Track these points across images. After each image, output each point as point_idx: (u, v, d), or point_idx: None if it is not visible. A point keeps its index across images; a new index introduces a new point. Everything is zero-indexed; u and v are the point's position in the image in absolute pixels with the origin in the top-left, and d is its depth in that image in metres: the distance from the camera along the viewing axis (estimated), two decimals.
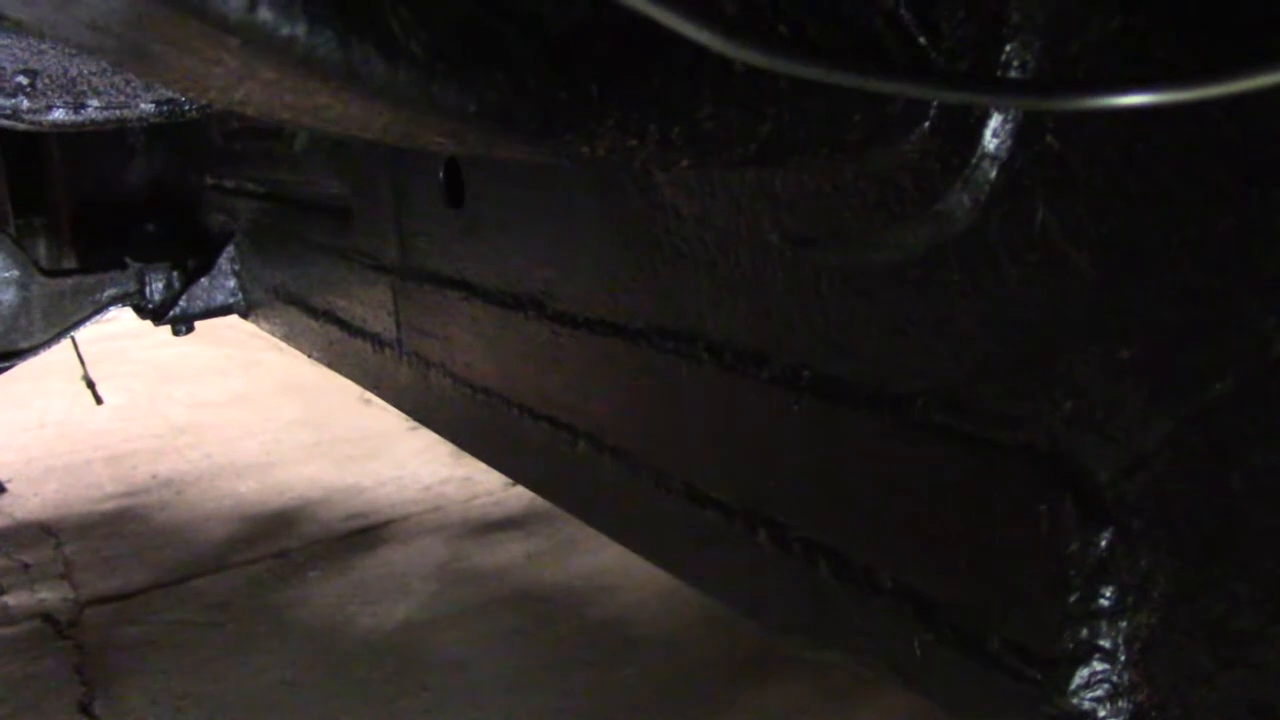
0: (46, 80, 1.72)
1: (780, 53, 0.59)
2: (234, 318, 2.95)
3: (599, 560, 3.46)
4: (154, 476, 4.64)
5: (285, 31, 0.56)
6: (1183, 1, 0.63)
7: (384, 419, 5.05)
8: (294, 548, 3.80)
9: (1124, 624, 0.71)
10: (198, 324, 2.85)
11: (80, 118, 1.76)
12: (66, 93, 1.74)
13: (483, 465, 1.66)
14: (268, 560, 3.71)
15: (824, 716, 2.65)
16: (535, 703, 2.77)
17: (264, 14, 0.55)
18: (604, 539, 1.35)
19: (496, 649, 3.05)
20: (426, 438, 4.67)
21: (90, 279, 2.62)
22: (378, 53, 0.58)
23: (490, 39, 0.60)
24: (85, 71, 1.75)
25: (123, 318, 2.96)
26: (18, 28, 1.52)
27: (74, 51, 1.68)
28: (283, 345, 2.68)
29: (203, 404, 5.71)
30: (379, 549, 3.76)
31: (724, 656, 2.90)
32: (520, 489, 3.96)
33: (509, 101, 0.62)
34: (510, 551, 3.68)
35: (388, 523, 4.00)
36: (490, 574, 3.52)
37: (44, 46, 1.68)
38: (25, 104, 1.71)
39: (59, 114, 1.74)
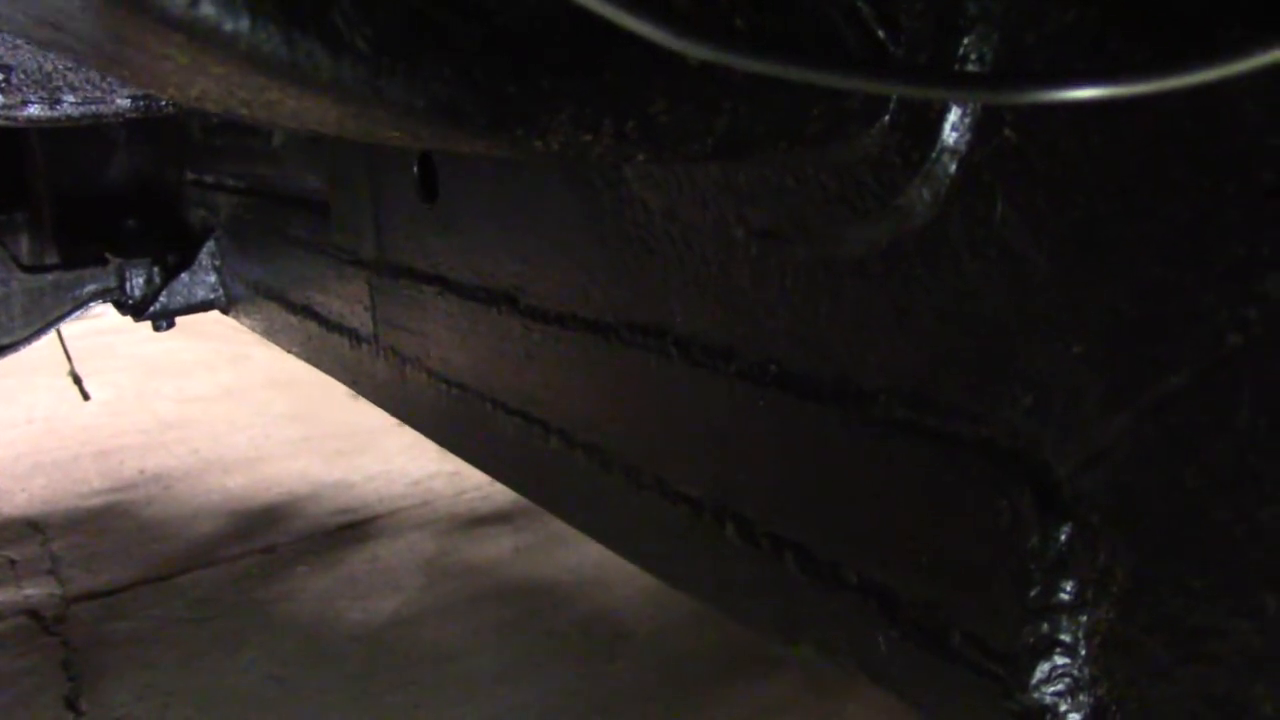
0: (21, 75, 1.71)
1: (733, 48, 0.59)
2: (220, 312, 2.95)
3: (587, 554, 3.46)
4: (142, 472, 4.63)
5: (228, 27, 0.56)
6: None
7: (372, 414, 5.03)
8: (282, 543, 3.80)
9: (1084, 618, 0.71)
10: (183, 319, 2.85)
11: (56, 113, 1.75)
12: (42, 88, 1.74)
13: None
14: (256, 555, 3.71)
15: (812, 710, 2.66)
16: (523, 696, 2.78)
17: (206, 9, 0.55)
18: None
19: (485, 643, 3.05)
20: (414, 433, 4.66)
21: (70, 275, 2.61)
22: (322, 47, 0.57)
23: (437, 33, 0.60)
24: (60, 67, 1.74)
25: (110, 313, 2.96)
26: None
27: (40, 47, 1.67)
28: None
29: (191, 399, 5.70)
30: (367, 544, 3.77)
31: (713, 650, 2.91)
32: None
33: (457, 96, 0.61)
34: (499, 546, 3.68)
35: (376, 517, 4.00)
36: (479, 568, 3.53)
37: (18, 42, 1.67)
38: (0, 100, 1.71)
39: (34, 110, 1.73)
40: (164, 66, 0.66)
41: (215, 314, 2.96)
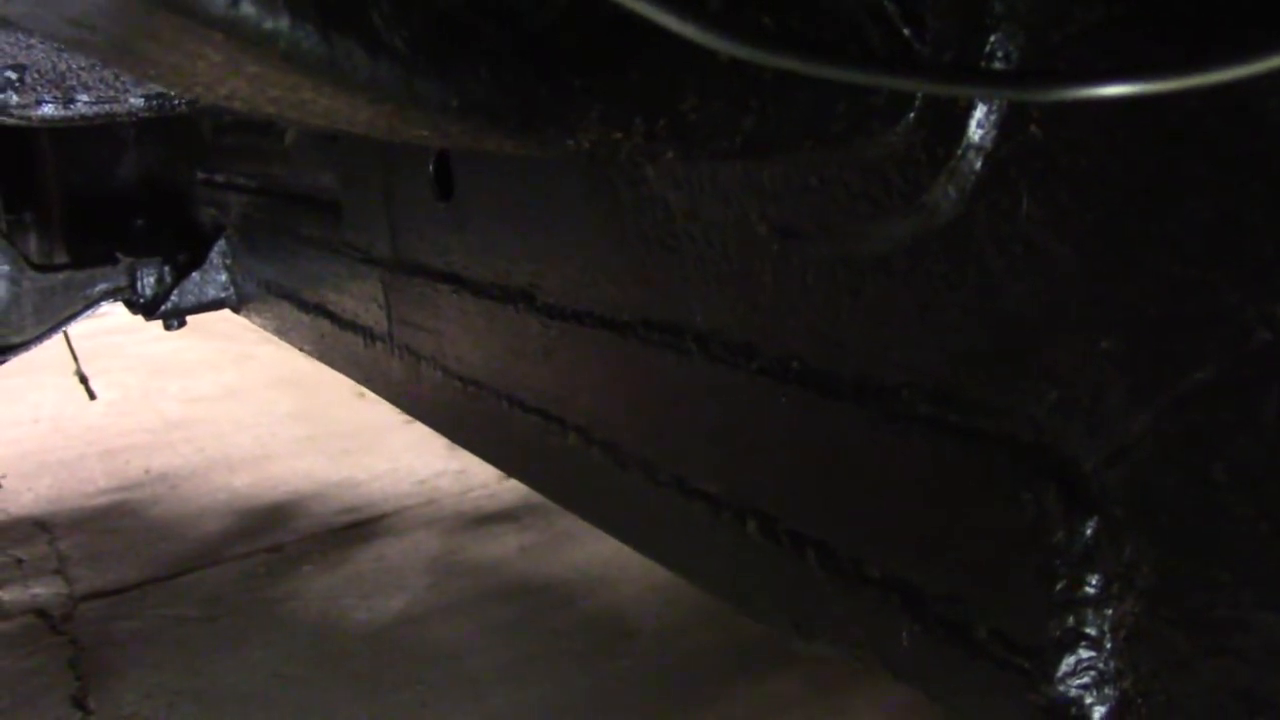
0: (35, 75, 1.72)
1: (763, 45, 0.59)
2: (227, 312, 2.95)
3: (593, 553, 3.46)
4: (148, 471, 4.64)
5: (268, 26, 0.56)
6: None
7: (378, 412, 5.05)
8: (288, 542, 3.80)
9: (1109, 612, 0.72)
10: (189, 319, 2.85)
11: (69, 113, 1.76)
12: (55, 88, 1.74)
13: (477, 458, 1.66)
14: (262, 554, 3.71)
15: (817, 709, 2.66)
16: (530, 695, 2.78)
17: (246, 9, 0.55)
18: (599, 531, 1.35)
19: (491, 641, 3.05)
20: (420, 431, 4.66)
21: (81, 274, 2.61)
22: (360, 47, 0.58)
23: (471, 33, 0.60)
24: (74, 66, 1.74)
25: (116, 312, 2.96)
26: (3, 23, 1.51)
27: (62, 46, 1.68)
28: (275, 339, 2.69)
29: (196, 398, 5.71)
30: (373, 543, 3.77)
31: (719, 649, 2.91)
32: (514, 482, 3.96)
33: (491, 95, 0.62)
34: (505, 544, 3.68)
35: (382, 516, 4.00)
36: (485, 567, 3.53)
37: (32, 41, 1.68)
38: (14, 99, 1.71)
39: (48, 109, 1.74)
40: (197, 66, 0.66)
41: (221, 314, 2.97)
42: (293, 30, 0.56)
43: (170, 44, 0.63)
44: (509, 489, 4.07)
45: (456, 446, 1.91)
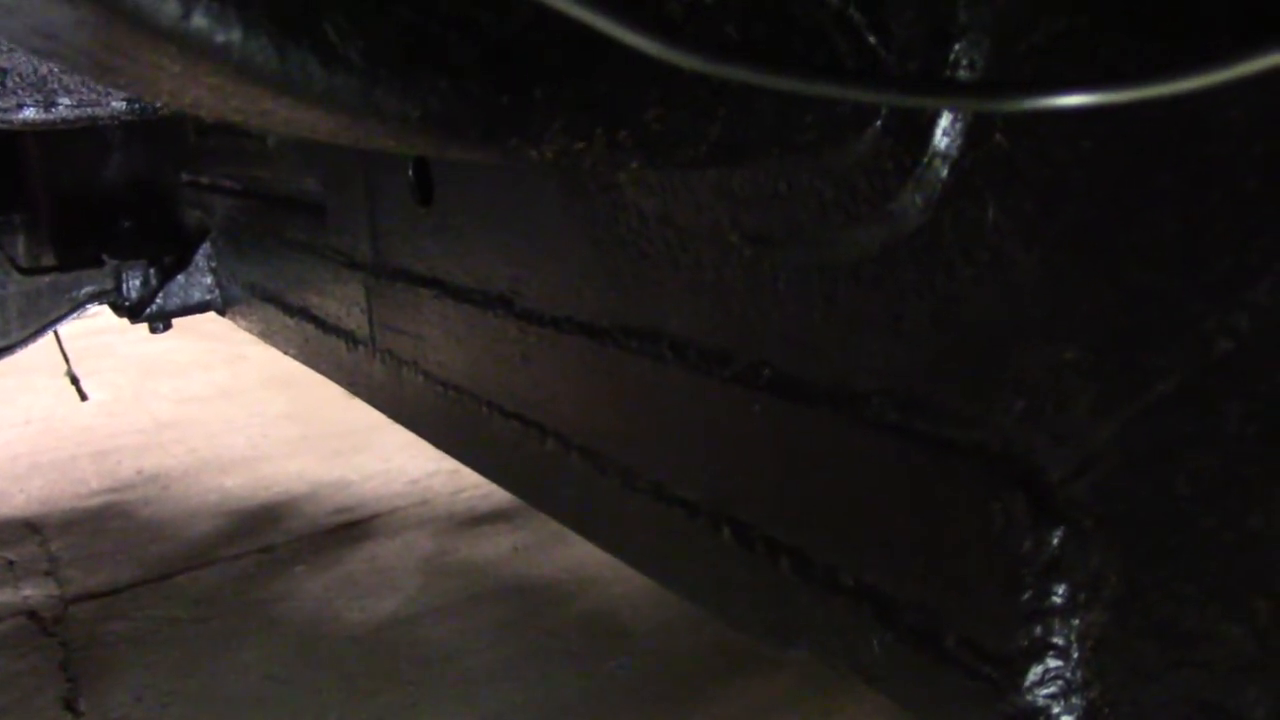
0: (17, 79, 1.72)
1: (724, 59, 0.59)
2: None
3: (586, 553, 3.47)
4: (139, 472, 4.63)
5: (220, 39, 0.56)
6: (1126, 4, 0.63)
7: (369, 413, 5.01)
8: (280, 543, 3.80)
9: (1076, 622, 0.72)
10: (180, 319, 2.85)
11: (51, 116, 1.75)
12: (37, 91, 1.74)
13: None
14: (254, 555, 3.71)
15: (810, 708, 2.66)
16: (522, 695, 2.78)
17: (198, 21, 0.55)
18: None
19: (483, 642, 3.05)
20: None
21: (67, 277, 2.61)
22: (315, 59, 0.57)
23: (430, 46, 0.60)
24: (56, 70, 1.74)
25: (106, 313, 2.96)
26: None
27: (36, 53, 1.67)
28: None
29: (188, 399, 5.70)
30: (366, 543, 3.77)
31: (712, 648, 2.91)
32: None
33: (452, 107, 0.62)
34: (497, 545, 3.68)
35: (374, 517, 4.00)
36: (477, 567, 3.53)
37: (13, 45, 1.68)
38: None
39: (30, 113, 1.73)
40: (157, 76, 0.66)
41: (212, 315, 2.96)
42: (245, 43, 0.56)
43: (129, 55, 0.63)
44: (501, 490, 4.07)
45: None
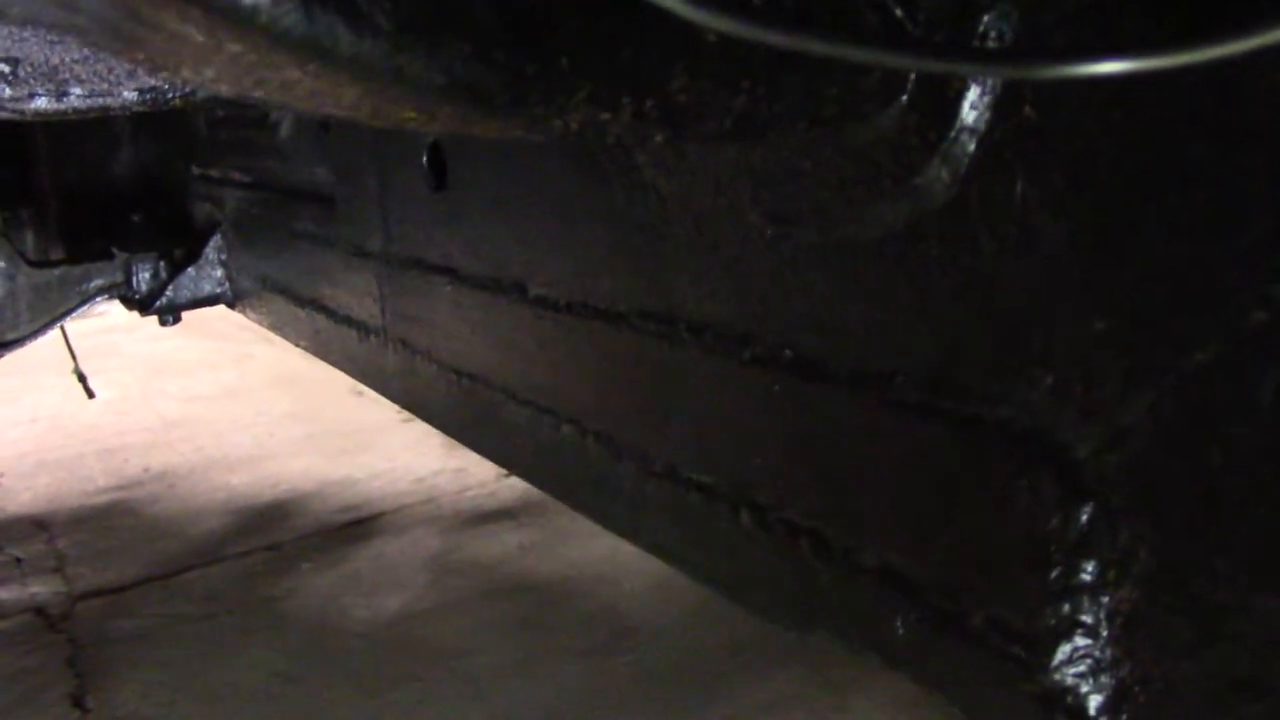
0: (28, 68, 1.71)
1: (752, 21, 0.58)
2: (224, 311, 2.94)
3: (592, 550, 3.45)
4: (146, 470, 4.63)
5: (248, 2, 0.55)
6: None
7: (376, 411, 5.04)
8: (287, 540, 3.79)
9: (1105, 599, 0.71)
10: (187, 317, 2.85)
11: (63, 106, 1.75)
12: (49, 80, 1.73)
13: (475, 456, 1.65)
14: (261, 553, 3.70)
15: (819, 705, 2.65)
16: (530, 692, 2.77)
17: None
18: (597, 529, 1.34)
19: (490, 639, 3.04)
20: (418, 430, 4.66)
21: (77, 270, 2.61)
22: (343, 23, 0.57)
23: (458, 10, 0.60)
24: (68, 59, 1.73)
25: (114, 311, 2.95)
26: None
27: (55, 39, 1.67)
28: (273, 338, 2.68)
29: (195, 397, 5.70)
30: (372, 541, 3.76)
31: (719, 645, 2.90)
32: (513, 480, 3.96)
33: (478, 74, 0.61)
34: (503, 542, 3.67)
35: (380, 515, 3.99)
36: (484, 565, 3.52)
37: (25, 34, 1.67)
38: (7, 92, 1.70)
39: (41, 102, 1.73)
40: (180, 47, 0.66)
41: (219, 313, 2.96)
42: (274, 6, 0.55)
43: (153, 23, 0.62)
44: (507, 487, 4.06)
45: (454, 445, 1.90)
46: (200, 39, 0.61)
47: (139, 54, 0.74)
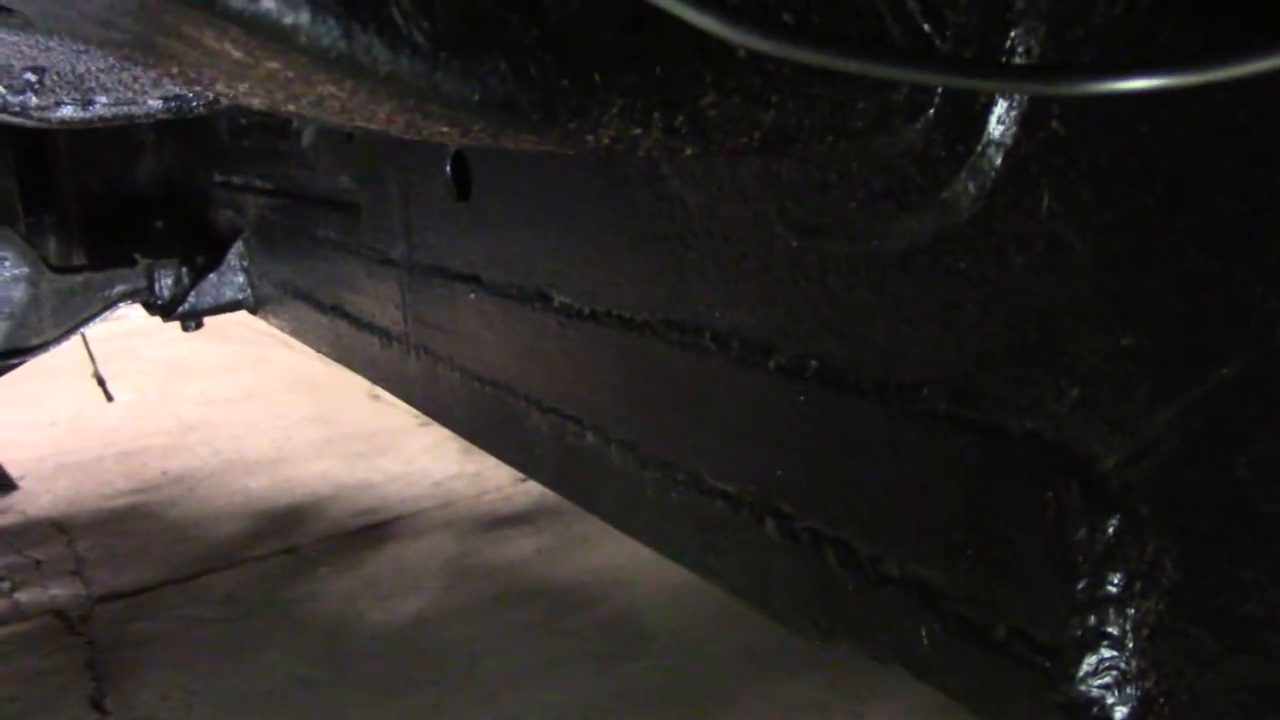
0: (54, 77, 1.73)
1: (783, 38, 0.59)
2: (244, 315, 2.96)
3: (609, 555, 3.46)
4: (165, 473, 4.65)
5: (288, 21, 0.56)
6: None
7: (393, 415, 5.06)
8: (304, 544, 3.81)
9: (1131, 611, 0.71)
10: (207, 321, 2.86)
11: (88, 114, 1.77)
12: (74, 89, 1.75)
13: (492, 461, 1.66)
14: (278, 556, 3.72)
15: (836, 711, 2.65)
16: (546, 697, 2.78)
17: (266, 4, 0.55)
18: (613, 534, 1.35)
19: (507, 644, 3.05)
20: (436, 434, 4.67)
21: (99, 276, 2.63)
22: (380, 41, 0.58)
23: (493, 27, 0.60)
24: (93, 68, 1.75)
25: (133, 315, 2.97)
26: (25, 25, 1.52)
27: (82, 48, 1.69)
28: (292, 342, 2.69)
29: (213, 401, 5.72)
30: (389, 545, 3.77)
31: (736, 651, 2.90)
32: (529, 485, 3.97)
33: (512, 90, 0.62)
34: (520, 547, 3.68)
35: (398, 519, 4.00)
36: (500, 569, 3.53)
37: (51, 44, 1.69)
38: (33, 100, 1.72)
39: (67, 110, 1.75)
40: (217, 62, 0.67)
41: (237, 317, 2.97)
42: (313, 25, 0.56)
43: (190, 40, 0.63)
44: (524, 492, 4.07)
45: (471, 449, 1.91)
46: (238, 55, 0.62)
47: (174, 68, 0.75)
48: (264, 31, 0.57)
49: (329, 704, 2.81)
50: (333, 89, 0.64)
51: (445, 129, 0.70)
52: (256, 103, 0.74)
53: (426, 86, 0.60)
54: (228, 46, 0.61)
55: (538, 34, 0.62)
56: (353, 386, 5.01)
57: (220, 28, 0.58)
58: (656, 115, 0.67)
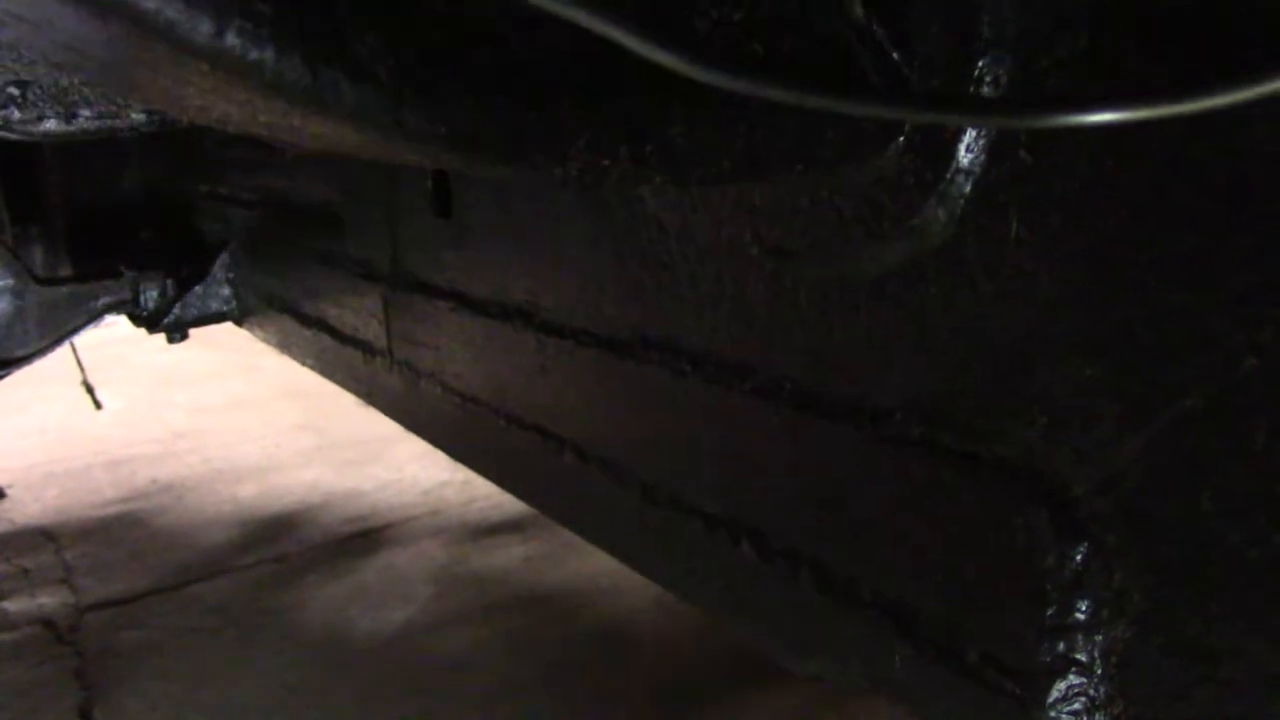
0: (38, 91, 1.73)
1: (749, 76, 0.59)
2: (232, 324, 2.95)
3: (598, 563, 3.46)
4: (154, 481, 4.64)
5: (253, 57, 0.56)
6: (1150, 20, 0.63)
7: (383, 423, 5.01)
8: (294, 552, 3.81)
9: (1100, 638, 0.71)
10: (195, 330, 2.86)
11: (72, 128, 1.76)
12: (58, 103, 1.75)
13: None
14: (268, 564, 3.71)
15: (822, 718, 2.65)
16: (535, 705, 2.78)
17: (231, 40, 0.56)
18: None
19: (496, 652, 3.05)
20: (425, 442, 4.67)
21: (85, 287, 2.62)
22: (345, 77, 0.58)
23: (457, 63, 0.60)
24: (76, 82, 1.75)
25: (122, 323, 2.97)
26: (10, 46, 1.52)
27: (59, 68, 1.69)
28: None
29: (202, 409, 5.71)
30: (379, 553, 3.77)
31: (725, 659, 2.90)
32: None
33: (477, 124, 0.62)
34: (509, 555, 3.68)
35: (387, 526, 4.00)
36: (489, 577, 3.53)
37: (40, 60, 1.69)
38: (16, 114, 1.72)
39: (51, 124, 1.75)
40: (186, 92, 0.67)
41: (226, 325, 2.97)
42: (277, 61, 0.56)
43: (158, 71, 0.63)
44: (514, 500, 4.05)
45: None
46: (206, 86, 0.62)
47: (145, 95, 0.75)
48: (229, 67, 0.57)
49: (318, 712, 2.81)
50: (300, 120, 0.64)
51: (415, 158, 0.70)
52: (230, 128, 0.74)
53: (391, 121, 0.60)
54: (195, 78, 0.61)
55: (504, 69, 0.62)
56: (342, 394, 4.98)
57: (186, 62, 0.59)
58: (624, 147, 0.67)
